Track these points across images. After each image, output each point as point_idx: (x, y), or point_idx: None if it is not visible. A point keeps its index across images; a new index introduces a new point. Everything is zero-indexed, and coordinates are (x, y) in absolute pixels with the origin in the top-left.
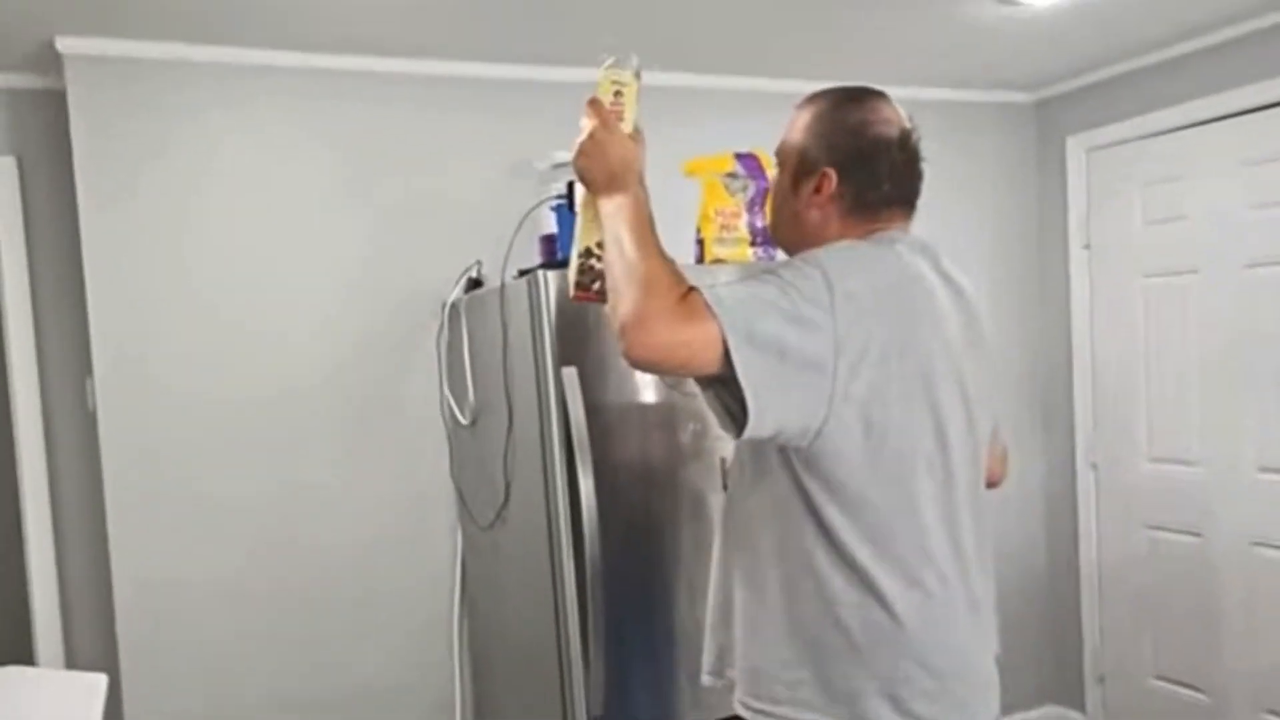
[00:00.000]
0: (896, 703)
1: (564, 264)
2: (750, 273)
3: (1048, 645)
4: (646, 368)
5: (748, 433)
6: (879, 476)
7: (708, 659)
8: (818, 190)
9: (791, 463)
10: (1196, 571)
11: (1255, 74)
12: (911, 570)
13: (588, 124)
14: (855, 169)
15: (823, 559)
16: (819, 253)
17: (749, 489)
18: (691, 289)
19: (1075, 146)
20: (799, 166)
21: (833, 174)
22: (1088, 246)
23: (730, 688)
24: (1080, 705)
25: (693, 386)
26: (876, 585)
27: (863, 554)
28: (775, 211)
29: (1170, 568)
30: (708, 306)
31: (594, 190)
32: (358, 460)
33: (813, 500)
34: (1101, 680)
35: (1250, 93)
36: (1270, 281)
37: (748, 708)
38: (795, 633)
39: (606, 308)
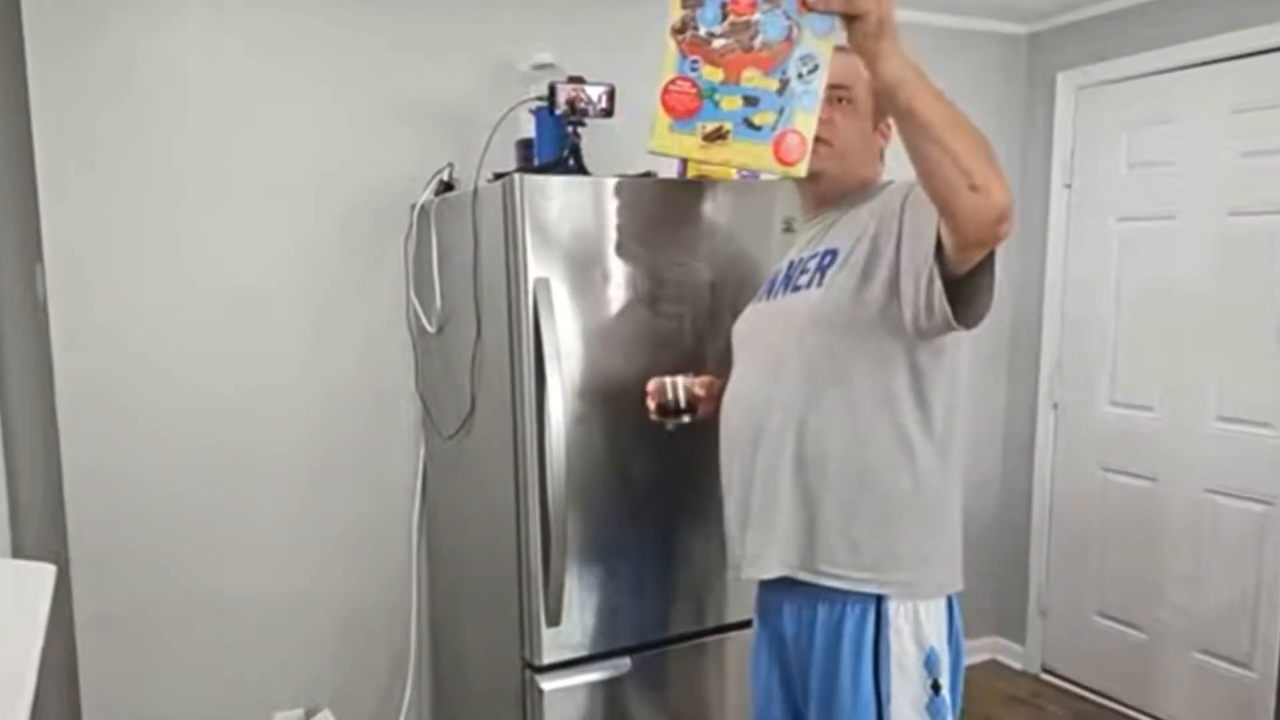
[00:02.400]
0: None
1: (546, 169)
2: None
3: (995, 578)
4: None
5: (987, 316)
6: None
7: (773, 548)
8: (883, 135)
9: (914, 349)
10: (1147, 514)
11: (1252, 19)
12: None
13: None
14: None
15: (918, 435)
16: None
17: (835, 379)
18: None
19: (1065, 83)
20: (876, 108)
21: (889, 129)
22: (1069, 185)
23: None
24: (1021, 638)
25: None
26: (951, 459)
27: (947, 435)
28: (852, 136)
29: (1122, 510)
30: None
31: (880, 31)
32: (319, 364)
33: (923, 384)
34: (1043, 614)
35: (1245, 37)
36: (1252, 230)
37: (838, 577)
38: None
39: (961, 182)
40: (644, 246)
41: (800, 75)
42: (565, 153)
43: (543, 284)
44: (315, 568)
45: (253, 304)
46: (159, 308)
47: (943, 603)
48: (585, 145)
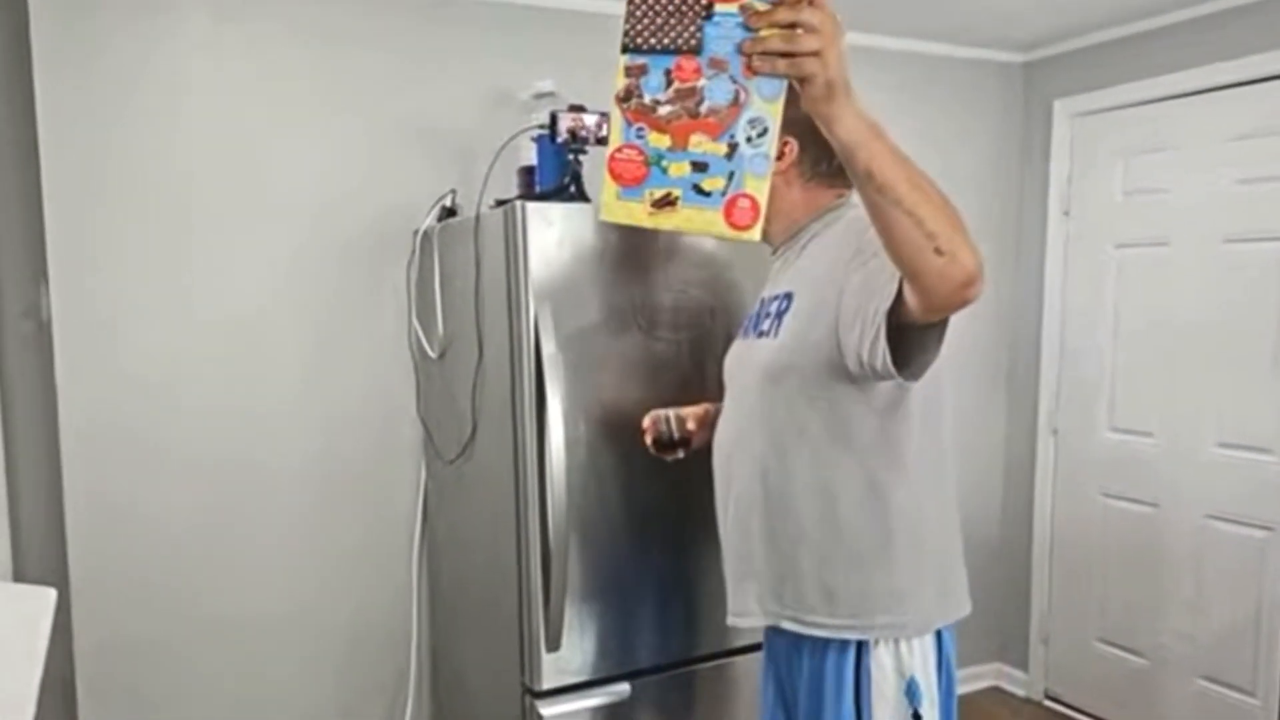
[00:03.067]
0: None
1: (547, 196)
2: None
3: (997, 604)
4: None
5: (933, 364)
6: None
7: (753, 597)
8: (780, 160)
9: (870, 394)
10: (1148, 541)
11: (1248, 47)
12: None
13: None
14: (811, 139)
15: (888, 478)
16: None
17: (807, 422)
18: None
19: (1062, 111)
20: (813, 142)
21: (793, 142)
22: (1067, 213)
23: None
24: (1023, 664)
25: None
26: (934, 494)
27: (926, 470)
28: (782, 199)
29: (1123, 536)
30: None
31: (829, 94)
32: (322, 388)
33: (889, 424)
34: (1045, 641)
35: (1242, 65)
36: (1248, 257)
37: (839, 628)
38: (885, 545)
39: (926, 245)
40: (644, 273)
41: (749, 139)
42: (566, 180)
43: (544, 310)
44: (316, 591)
45: (256, 328)
46: (163, 330)
47: (929, 636)
48: (586, 172)
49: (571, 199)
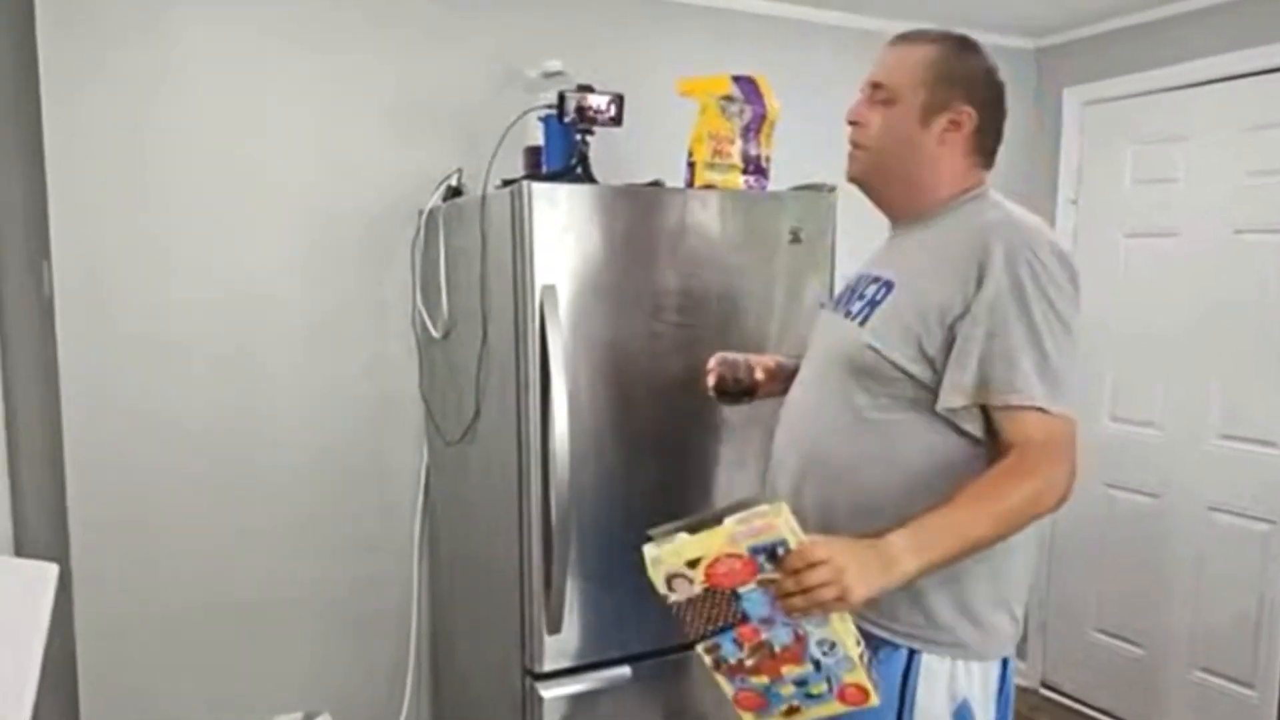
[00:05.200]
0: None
1: (555, 177)
2: (1021, 313)
3: None
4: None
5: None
6: None
7: None
8: (955, 126)
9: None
10: (1150, 531)
11: (1260, 38)
12: None
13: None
14: (990, 112)
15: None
16: (1043, 239)
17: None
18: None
19: (1072, 98)
20: (930, 101)
21: (974, 113)
22: (1075, 201)
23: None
24: (1021, 653)
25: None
26: None
27: None
28: (889, 138)
29: (1124, 526)
30: (1050, 426)
31: (871, 595)
32: (324, 366)
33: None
34: (1044, 630)
35: (1254, 56)
36: (1257, 248)
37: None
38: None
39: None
40: (651, 255)
41: (825, 654)
42: (574, 161)
43: (549, 291)
44: (316, 571)
45: (258, 306)
46: (165, 308)
47: (994, 663)
48: (593, 153)
49: (579, 180)
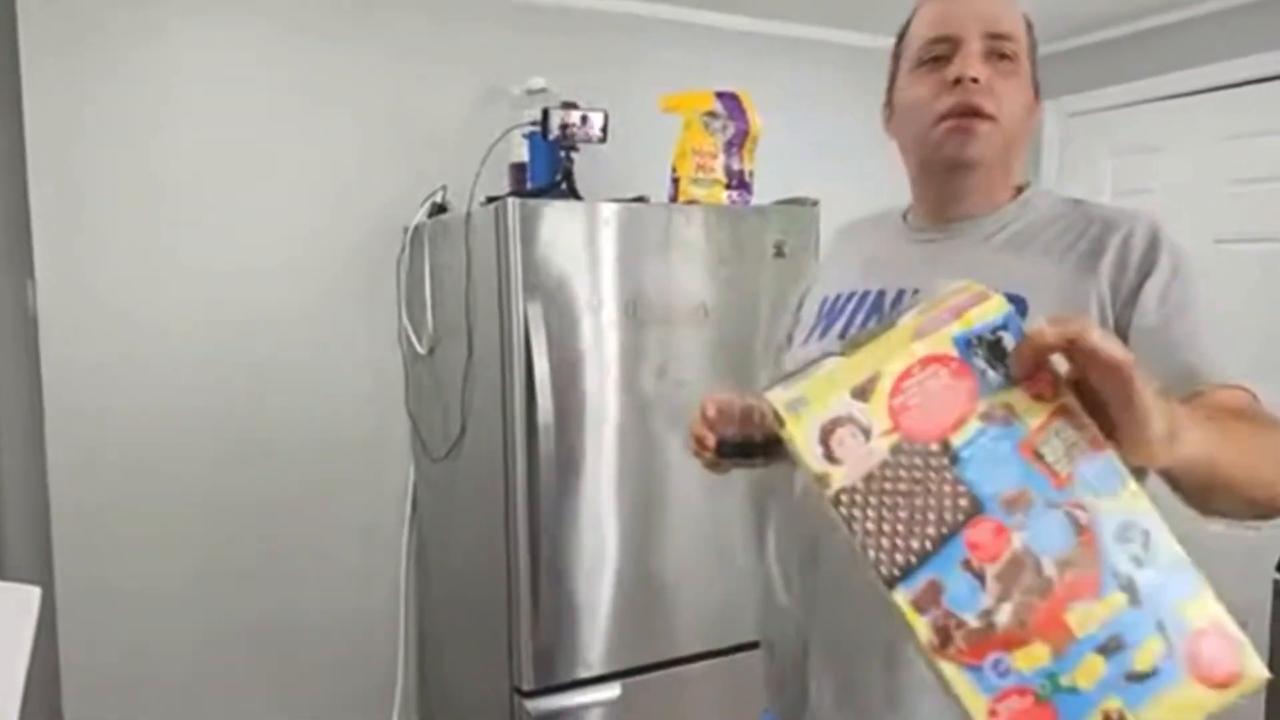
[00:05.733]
0: None
1: (539, 193)
2: (1180, 288)
3: None
4: None
5: None
6: None
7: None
8: (1037, 107)
9: None
10: None
11: (1241, 49)
12: None
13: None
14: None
15: None
16: (1164, 228)
17: None
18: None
19: (1053, 110)
20: (1033, 70)
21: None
22: None
23: None
24: None
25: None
26: None
27: None
28: (1017, 107)
29: None
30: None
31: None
32: (309, 383)
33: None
34: None
35: (1234, 67)
36: (1238, 258)
37: None
38: None
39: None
40: (636, 271)
41: (1137, 557)
42: (558, 177)
43: (534, 308)
44: (301, 590)
45: (243, 323)
46: (148, 323)
47: None
48: (578, 170)
49: (563, 196)
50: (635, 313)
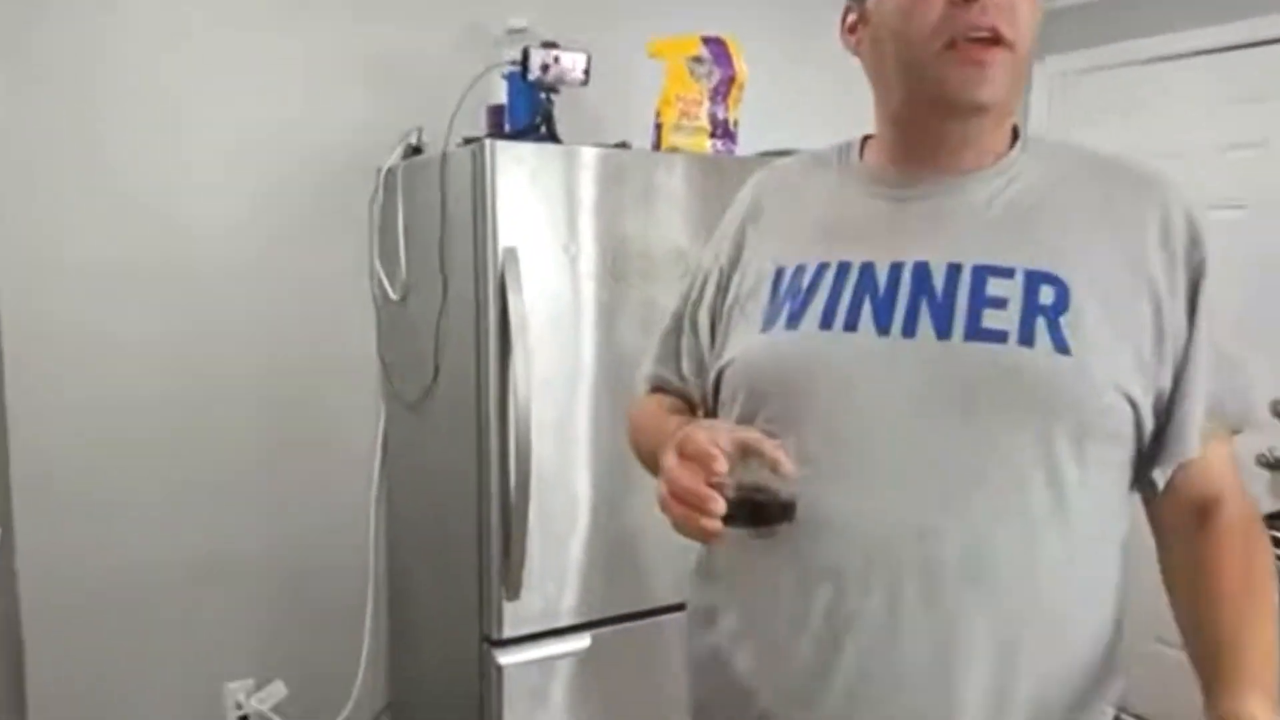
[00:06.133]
0: None
1: (518, 136)
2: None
3: None
4: None
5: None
6: None
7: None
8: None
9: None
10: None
11: (1235, 13)
12: None
13: None
14: None
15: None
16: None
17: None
18: None
19: (1040, 71)
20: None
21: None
22: None
23: None
24: None
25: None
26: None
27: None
28: (1031, 34)
29: None
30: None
31: None
32: (279, 327)
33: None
34: None
35: (1228, 31)
36: (1231, 225)
37: None
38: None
39: None
40: (616, 218)
41: None
42: (538, 120)
43: (511, 253)
44: (270, 536)
45: (209, 264)
46: (109, 264)
47: None
48: (558, 113)
49: (543, 139)
50: (614, 261)
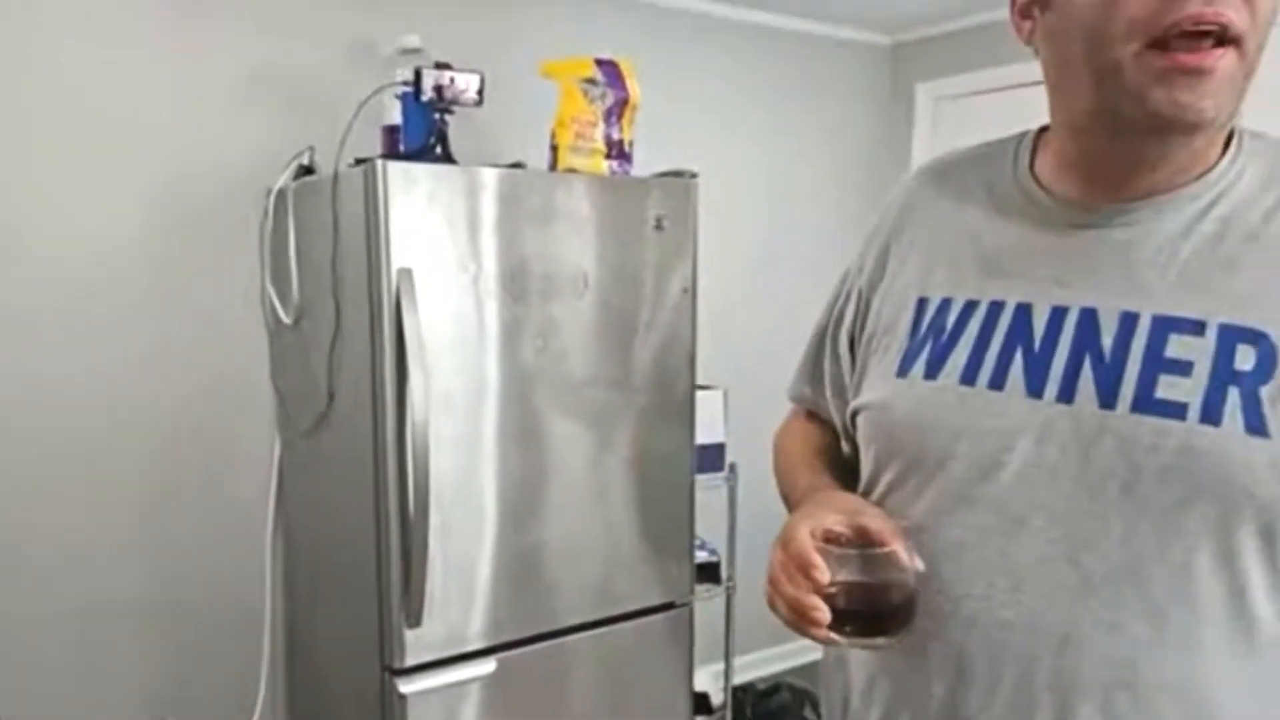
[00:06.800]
0: None
1: (412, 157)
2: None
3: None
4: None
5: None
6: None
7: None
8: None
9: None
10: None
11: None
12: None
13: None
14: None
15: None
16: None
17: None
18: None
19: (924, 94)
20: None
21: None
22: None
23: None
24: None
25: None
26: None
27: None
28: (1268, 28)
29: None
30: None
31: None
32: (166, 354)
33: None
34: None
35: None
36: None
37: None
38: None
39: None
40: (514, 239)
41: None
42: (432, 140)
43: (406, 275)
44: (162, 576)
45: (92, 287)
46: None
47: None
48: (453, 133)
49: (438, 160)
50: (514, 283)
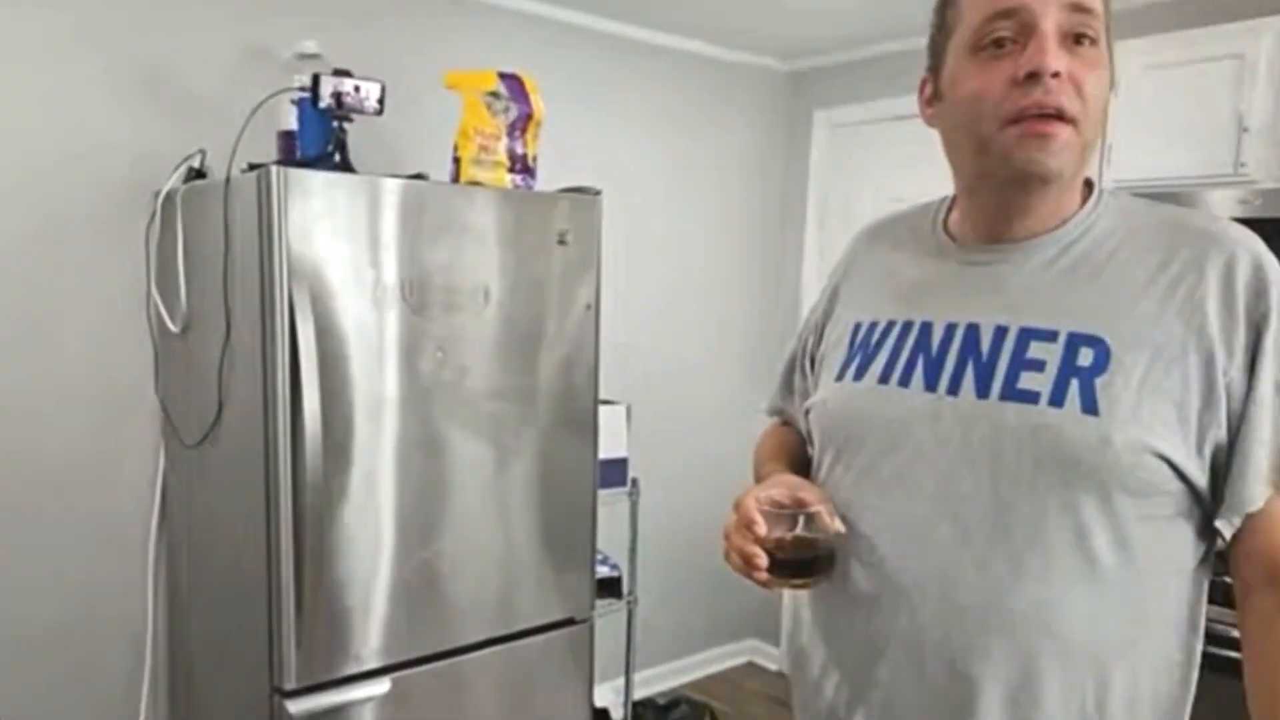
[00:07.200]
0: None
1: (309, 164)
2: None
3: (748, 585)
4: None
5: None
6: None
7: None
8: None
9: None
10: None
11: None
12: None
13: None
14: None
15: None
16: (1266, 251)
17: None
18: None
19: (821, 121)
20: (1110, 50)
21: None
22: (823, 226)
23: None
24: (775, 639)
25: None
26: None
27: None
28: (1100, 105)
29: None
30: None
31: None
32: (40, 366)
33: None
34: (797, 614)
35: None
36: None
37: None
38: None
39: None
40: (414, 250)
41: None
42: (330, 148)
43: (300, 284)
44: (35, 599)
45: None
46: None
47: None
48: (353, 141)
49: (336, 168)
50: (413, 295)
